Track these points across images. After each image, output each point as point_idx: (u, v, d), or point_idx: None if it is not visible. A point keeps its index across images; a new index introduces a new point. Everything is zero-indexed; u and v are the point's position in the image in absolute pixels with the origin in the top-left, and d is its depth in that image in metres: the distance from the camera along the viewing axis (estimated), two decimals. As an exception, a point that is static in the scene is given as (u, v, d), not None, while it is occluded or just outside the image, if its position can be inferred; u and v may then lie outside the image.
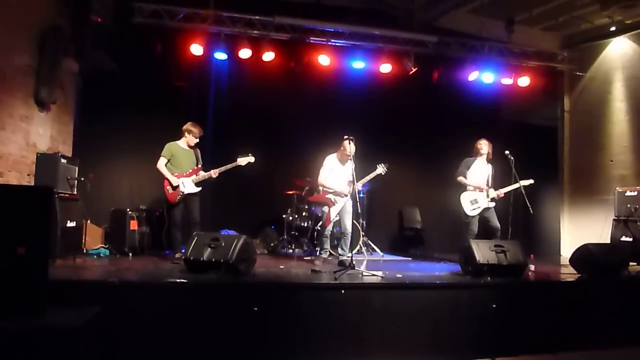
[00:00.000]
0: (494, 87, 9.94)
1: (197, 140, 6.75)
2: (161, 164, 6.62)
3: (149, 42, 8.14)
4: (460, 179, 7.29)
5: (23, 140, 6.54)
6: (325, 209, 6.75)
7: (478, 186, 7.18)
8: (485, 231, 7.17)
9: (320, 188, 6.99)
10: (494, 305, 5.18)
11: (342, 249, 6.80)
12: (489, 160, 7.33)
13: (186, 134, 6.71)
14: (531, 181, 7.18)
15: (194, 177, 6.64)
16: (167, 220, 6.73)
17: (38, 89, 6.71)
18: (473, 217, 7.13)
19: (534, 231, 9.60)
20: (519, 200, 6.96)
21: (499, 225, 7.09)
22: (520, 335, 5.25)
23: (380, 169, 7.02)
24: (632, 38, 9.64)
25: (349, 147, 6.59)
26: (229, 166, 6.72)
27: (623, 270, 6.30)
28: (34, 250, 3.46)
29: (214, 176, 6.66)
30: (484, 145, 7.31)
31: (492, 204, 7.15)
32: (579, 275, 6.16)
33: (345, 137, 6.42)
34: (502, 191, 7.12)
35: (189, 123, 6.74)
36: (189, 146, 6.75)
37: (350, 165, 6.75)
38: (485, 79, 9.66)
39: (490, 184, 7.21)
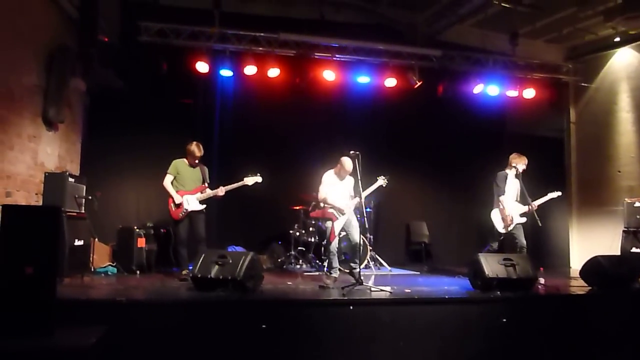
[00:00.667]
0: (499, 99, 9.93)
1: (196, 160, 6.72)
2: (167, 181, 6.65)
3: (155, 60, 8.21)
4: (503, 199, 6.90)
5: (31, 159, 6.58)
6: (329, 224, 6.72)
7: (507, 217, 6.85)
8: (511, 249, 6.91)
9: (322, 204, 6.98)
10: (504, 320, 5.13)
11: (355, 263, 6.75)
12: (516, 175, 7.06)
13: (187, 154, 6.71)
14: (559, 193, 7.06)
15: (198, 194, 6.65)
16: (174, 237, 6.75)
17: (46, 109, 6.77)
18: (503, 235, 6.94)
19: (543, 244, 9.51)
20: (528, 215, 6.90)
21: (525, 242, 6.81)
22: (530, 349, 5.19)
23: (381, 181, 7.01)
24: (637, 48, 9.63)
25: (347, 163, 6.59)
26: (235, 185, 6.73)
27: (634, 282, 6.23)
28: (42, 270, 3.48)
29: (221, 194, 6.65)
30: (521, 161, 7.02)
31: (523, 220, 6.92)
32: (590, 288, 6.10)
33: (352, 152, 6.41)
34: (535, 204, 6.86)
35: (192, 143, 6.71)
36: (194, 164, 6.77)
37: (349, 180, 6.77)
38: (491, 92, 9.66)
39: (519, 198, 7.07)
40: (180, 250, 6.63)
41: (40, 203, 6.38)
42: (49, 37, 6.89)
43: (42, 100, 6.76)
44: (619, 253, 7.71)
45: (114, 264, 7.09)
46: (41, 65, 6.73)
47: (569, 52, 10.66)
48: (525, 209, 6.88)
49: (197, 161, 6.73)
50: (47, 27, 6.89)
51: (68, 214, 5.99)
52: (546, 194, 7.05)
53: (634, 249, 7.50)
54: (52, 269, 3.59)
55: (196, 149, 6.66)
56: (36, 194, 6.60)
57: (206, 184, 6.77)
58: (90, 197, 6.59)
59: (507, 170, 7.06)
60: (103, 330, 3.72)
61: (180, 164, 6.72)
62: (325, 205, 6.80)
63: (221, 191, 6.66)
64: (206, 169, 6.88)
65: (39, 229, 3.51)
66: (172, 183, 6.66)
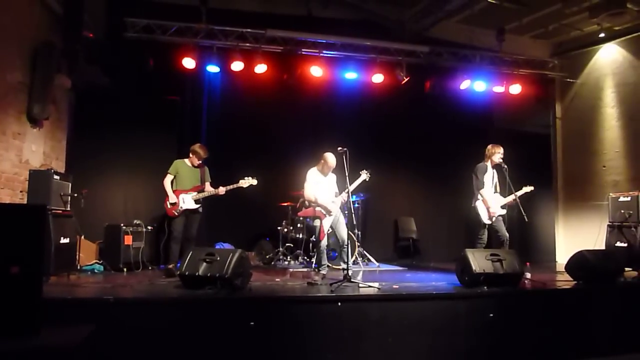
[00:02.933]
0: (486, 95, 10.00)
1: (200, 161, 6.89)
2: (167, 180, 6.81)
3: (142, 56, 8.15)
4: (482, 192, 6.91)
5: (16, 157, 6.51)
6: (317, 222, 6.73)
7: (490, 208, 6.88)
8: (494, 241, 7.00)
9: (307, 202, 6.98)
10: (491, 315, 5.17)
11: (344, 261, 6.77)
12: (493, 166, 7.11)
13: (191, 154, 6.88)
14: (531, 188, 7.16)
15: (194, 193, 6.77)
16: (167, 233, 6.80)
17: (30, 106, 6.70)
18: (487, 226, 6.97)
19: (529, 238, 9.61)
20: (513, 208, 6.96)
21: (507, 234, 6.88)
22: (518, 344, 5.24)
23: (364, 176, 7.04)
24: (621, 44, 9.73)
25: (330, 159, 6.64)
26: (231, 187, 6.86)
27: (618, 276, 6.31)
28: (28, 269, 3.44)
29: (221, 193, 6.81)
30: (496, 151, 7.03)
31: (503, 211, 7.00)
32: (575, 282, 6.16)
33: (339, 148, 6.41)
34: (508, 200, 6.94)
35: (197, 145, 6.90)
36: (195, 165, 6.86)
37: (332, 175, 6.80)
38: (477, 88, 9.71)
39: (498, 190, 7.13)
40: (172, 246, 6.73)
41: (25, 201, 6.32)
42: (33, 33, 6.81)
43: (27, 97, 6.69)
44: (604, 247, 7.78)
45: (101, 262, 7.04)
46: (25, 62, 6.66)
47: (554, 48, 10.74)
48: (506, 200, 6.96)
49: (199, 162, 6.87)
50: (31, 24, 6.80)
51: (53, 211, 5.93)
52: (525, 186, 7.16)
53: (618, 243, 7.56)
54: (38, 268, 3.55)
55: (200, 150, 6.84)
56: (21, 191, 6.54)
57: (206, 184, 6.91)
58: (76, 195, 6.54)
59: (486, 162, 7.11)
60: (90, 330, 3.69)
61: (180, 164, 6.88)
62: (313, 204, 6.81)
63: (221, 190, 6.81)
64: (207, 169, 7.02)
65: (24, 228, 3.47)
66: (171, 182, 6.80)
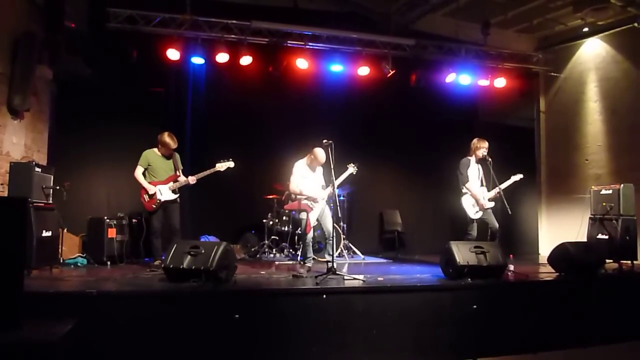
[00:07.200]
0: (471, 89, 10.04)
1: (171, 152, 6.67)
2: (138, 172, 6.58)
3: (125, 47, 8.03)
4: (468, 186, 6.98)
5: (-4, 149, 6.41)
6: (304, 215, 6.72)
7: (479, 201, 6.94)
8: (484, 234, 7.04)
9: (293, 195, 6.96)
10: (475, 307, 5.22)
11: (329, 253, 6.78)
12: (477, 160, 7.17)
13: (160, 145, 6.64)
14: (521, 176, 7.30)
15: (170, 184, 6.59)
16: (146, 229, 6.67)
17: (11, 97, 6.58)
18: (475, 220, 7.01)
19: (512, 231, 9.69)
20: (497, 201, 7.02)
21: (497, 225, 6.95)
22: (501, 335, 5.31)
23: (351, 169, 7.05)
24: (605, 39, 9.82)
25: (320, 155, 6.61)
26: (207, 172, 6.67)
27: (600, 268, 6.40)
28: (9, 262, 3.40)
29: (192, 183, 6.62)
30: (481, 145, 7.08)
31: (492, 204, 7.04)
32: (557, 274, 6.24)
33: (325, 140, 6.38)
34: (501, 188, 6.97)
35: (165, 134, 6.63)
36: (165, 155, 6.68)
37: (320, 169, 6.79)
38: (463, 81, 9.74)
39: (484, 183, 7.17)
40: (153, 241, 6.59)
41: (6, 194, 6.22)
42: (13, 23, 6.68)
43: (7, 88, 6.57)
44: (585, 240, 7.87)
45: (84, 255, 6.98)
46: (6, 52, 6.53)
47: (539, 42, 10.81)
48: (492, 193, 7.02)
49: (170, 153, 6.67)
50: (11, 13, 6.68)
51: (35, 204, 5.84)
52: (509, 178, 7.26)
53: (600, 236, 7.65)
54: (19, 261, 3.52)
55: (170, 140, 6.58)
56: (1, 184, 6.44)
57: (178, 172, 6.70)
58: (58, 188, 6.45)
59: (469, 157, 7.17)
60: (73, 323, 3.67)
61: (151, 155, 6.65)
62: (299, 196, 6.80)
63: (192, 180, 6.61)
64: (178, 156, 6.81)
65: (5, 220, 3.43)
66: (143, 174, 6.59)
